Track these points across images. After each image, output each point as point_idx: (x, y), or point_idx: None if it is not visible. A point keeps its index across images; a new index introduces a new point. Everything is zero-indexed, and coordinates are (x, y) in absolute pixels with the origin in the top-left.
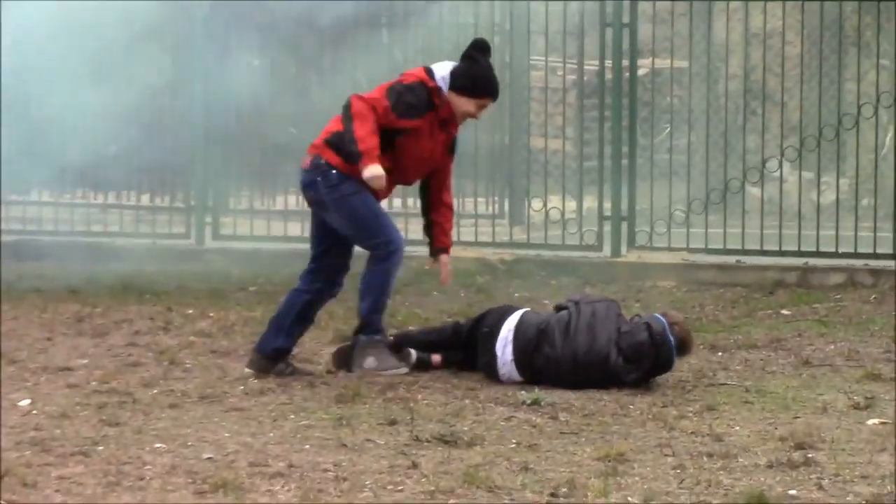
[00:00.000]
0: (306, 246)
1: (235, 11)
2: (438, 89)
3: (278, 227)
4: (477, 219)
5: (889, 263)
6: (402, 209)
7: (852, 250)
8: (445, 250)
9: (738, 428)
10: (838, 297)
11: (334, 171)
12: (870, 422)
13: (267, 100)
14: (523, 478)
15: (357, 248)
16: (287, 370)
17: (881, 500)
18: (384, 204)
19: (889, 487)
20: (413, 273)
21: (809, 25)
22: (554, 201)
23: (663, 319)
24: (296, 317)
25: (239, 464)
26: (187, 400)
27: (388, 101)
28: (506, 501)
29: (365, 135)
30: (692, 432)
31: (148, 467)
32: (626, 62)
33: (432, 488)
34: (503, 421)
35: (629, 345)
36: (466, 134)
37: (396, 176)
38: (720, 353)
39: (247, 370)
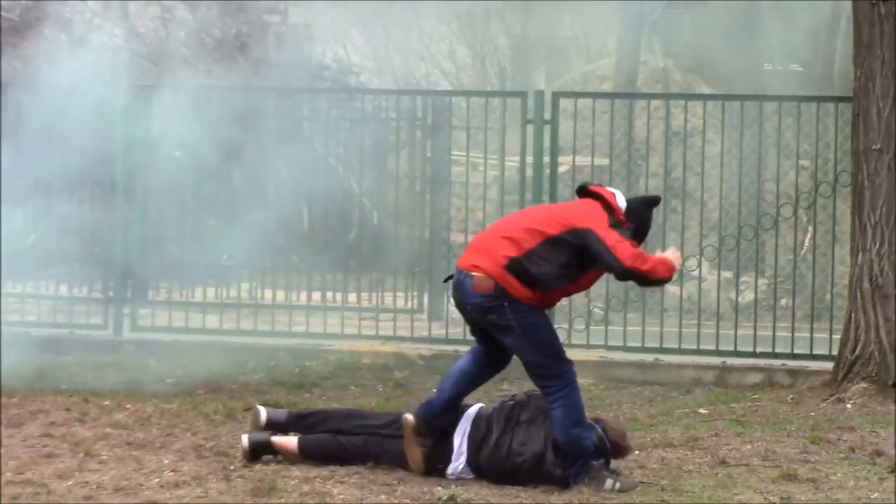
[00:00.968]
0: (224, 338)
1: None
2: None
3: (197, 320)
4: (396, 313)
5: (807, 364)
6: (321, 303)
7: (770, 350)
8: None
9: None
10: (755, 396)
11: (520, 300)
12: None
13: (188, 189)
14: None
15: None
16: None
17: None
18: None
19: None
20: (331, 367)
21: (730, 124)
22: None
23: (598, 427)
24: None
25: None
26: (102, 492)
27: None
28: None
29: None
30: None
31: None
32: (546, 159)
33: None
34: None
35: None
36: (386, 227)
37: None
38: (637, 452)
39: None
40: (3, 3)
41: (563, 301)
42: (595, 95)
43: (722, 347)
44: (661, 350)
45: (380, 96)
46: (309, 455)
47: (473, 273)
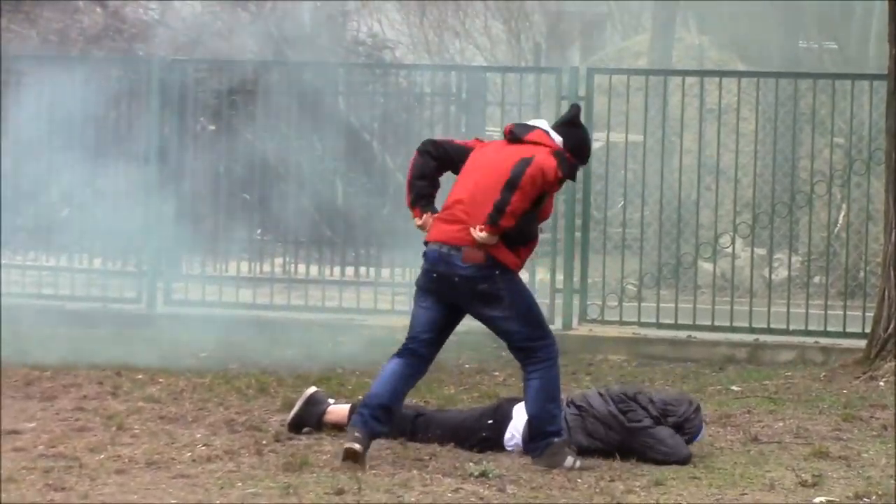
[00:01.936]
0: (257, 313)
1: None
2: None
3: (230, 294)
4: None
5: (839, 341)
6: (354, 278)
7: (803, 327)
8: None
9: (685, 503)
10: (788, 373)
11: (509, 268)
12: (817, 500)
13: (222, 165)
14: None
15: None
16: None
17: None
18: None
19: None
20: (364, 342)
21: (765, 102)
22: None
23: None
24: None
25: None
26: (134, 466)
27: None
28: None
29: None
30: None
31: None
32: None
33: None
34: (450, 493)
35: (661, 400)
36: None
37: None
38: None
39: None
40: None
41: (596, 277)
42: (629, 72)
43: (755, 325)
44: (694, 327)
45: (414, 71)
46: None
47: (462, 245)
